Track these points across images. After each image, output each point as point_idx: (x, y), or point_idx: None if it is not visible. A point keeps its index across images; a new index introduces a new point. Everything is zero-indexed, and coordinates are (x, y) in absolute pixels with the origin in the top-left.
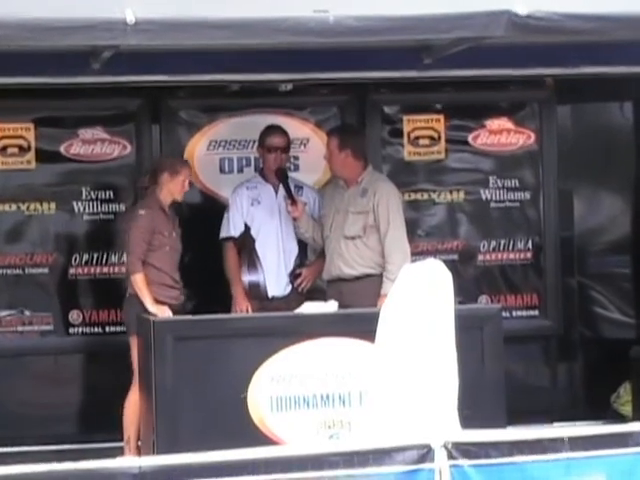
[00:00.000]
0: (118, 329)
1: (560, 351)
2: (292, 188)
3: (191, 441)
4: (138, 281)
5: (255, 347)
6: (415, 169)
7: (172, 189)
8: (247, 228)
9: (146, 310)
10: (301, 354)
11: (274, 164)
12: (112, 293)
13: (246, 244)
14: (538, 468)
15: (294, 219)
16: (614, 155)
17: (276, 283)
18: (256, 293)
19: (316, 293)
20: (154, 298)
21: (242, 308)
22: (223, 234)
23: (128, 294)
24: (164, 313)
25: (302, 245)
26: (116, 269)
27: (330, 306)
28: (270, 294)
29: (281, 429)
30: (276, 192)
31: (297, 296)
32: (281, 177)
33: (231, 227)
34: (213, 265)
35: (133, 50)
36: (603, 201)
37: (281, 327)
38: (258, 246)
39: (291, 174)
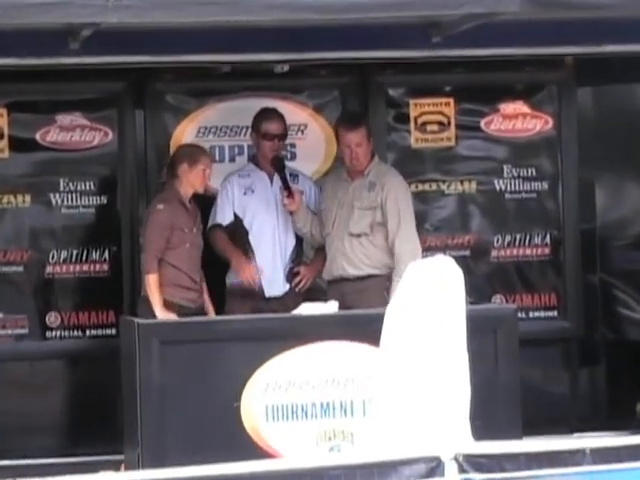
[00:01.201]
0: (100, 332)
1: (581, 355)
2: (288, 178)
3: (179, 454)
4: (151, 282)
5: (249, 351)
6: (423, 157)
7: (192, 180)
8: (239, 219)
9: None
10: (299, 359)
11: (270, 152)
12: (93, 293)
13: (238, 236)
14: None
15: (290, 212)
16: (639, 141)
17: (272, 279)
18: (250, 292)
19: (315, 293)
20: (169, 300)
21: (250, 273)
22: (210, 223)
23: (142, 295)
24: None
25: (299, 239)
26: (97, 267)
27: (330, 307)
28: (267, 293)
29: (277, 440)
30: (271, 181)
31: (295, 296)
32: (277, 167)
33: (218, 216)
34: (203, 262)
35: (115, 28)
36: (627, 191)
37: (277, 330)
38: (252, 238)
39: (286, 163)
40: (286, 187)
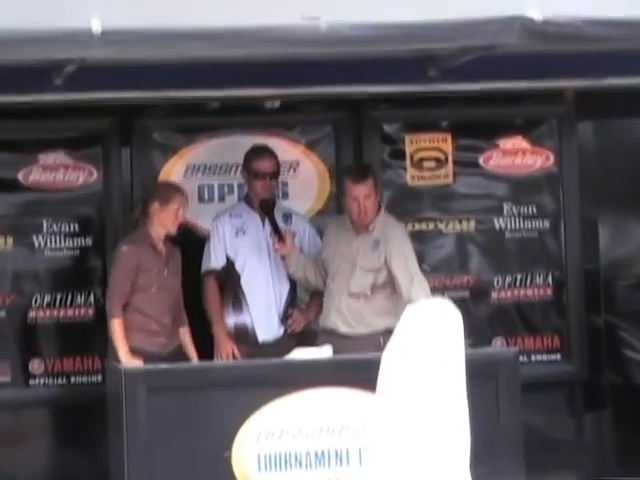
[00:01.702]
0: (85, 379)
1: (586, 400)
2: (279, 220)
3: None
4: (114, 327)
5: (240, 399)
6: (419, 195)
7: (164, 220)
8: (230, 262)
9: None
10: (293, 406)
11: (262, 191)
12: (78, 339)
13: (230, 280)
14: None
15: (282, 257)
16: None
17: (266, 325)
18: (243, 337)
19: (309, 338)
20: (135, 347)
21: (227, 351)
22: (204, 267)
23: (110, 341)
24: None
25: (293, 283)
26: (82, 312)
27: (324, 352)
28: (260, 338)
29: None
30: (263, 222)
31: (289, 340)
32: (266, 210)
33: (212, 259)
34: (192, 305)
35: (100, 64)
36: (632, 229)
37: (270, 376)
38: (244, 282)
39: (280, 202)
40: (276, 231)
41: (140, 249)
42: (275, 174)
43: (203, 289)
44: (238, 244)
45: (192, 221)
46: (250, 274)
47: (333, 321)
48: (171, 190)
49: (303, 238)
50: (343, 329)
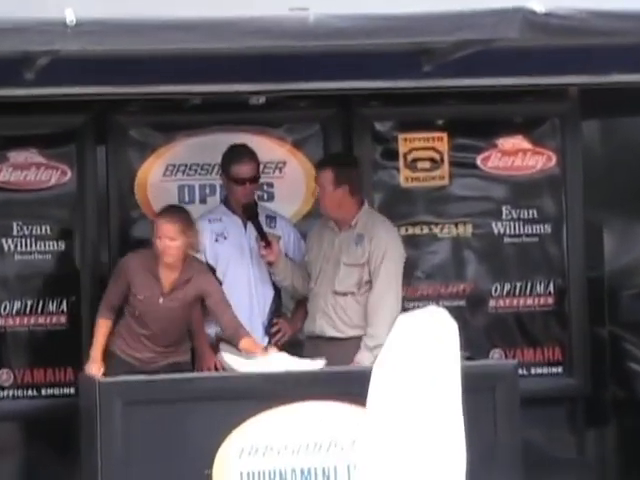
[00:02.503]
0: (57, 391)
1: (588, 415)
2: (264, 223)
3: None
4: (96, 326)
5: (222, 413)
6: (413, 198)
7: (156, 251)
8: (211, 269)
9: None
10: (277, 421)
11: (242, 197)
12: (50, 348)
13: None
14: None
15: (269, 264)
16: None
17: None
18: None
19: (295, 348)
20: (112, 350)
21: (209, 364)
22: None
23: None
24: (92, 371)
25: (278, 289)
26: (55, 319)
27: (316, 365)
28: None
29: None
30: (245, 226)
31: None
32: (249, 214)
33: None
34: None
35: (74, 56)
36: (639, 235)
37: (253, 388)
38: (226, 290)
39: (264, 204)
40: (262, 237)
41: (136, 268)
42: (255, 178)
43: None
44: (218, 250)
45: None
46: (232, 281)
47: (319, 325)
48: (158, 216)
49: (288, 242)
50: (330, 332)
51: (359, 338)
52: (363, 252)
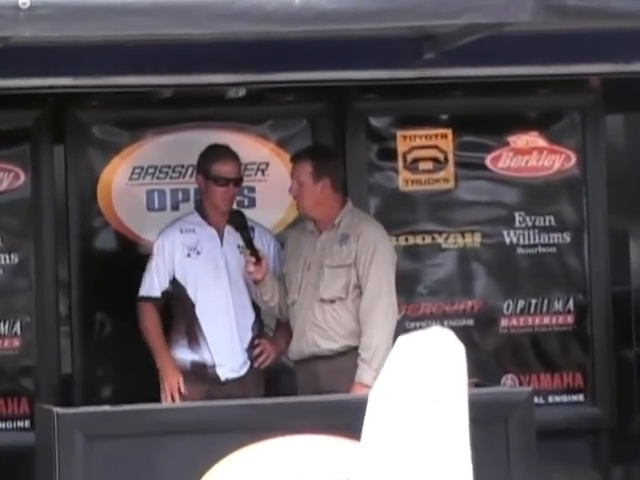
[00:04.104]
0: (9, 425)
1: (614, 450)
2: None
3: None
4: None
5: (199, 448)
6: (414, 203)
7: None
8: (181, 288)
9: None
10: (262, 457)
11: (222, 201)
12: (1, 375)
13: (181, 308)
14: None
15: (255, 282)
16: None
17: (229, 362)
18: (202, 376)
19: (280, 374)
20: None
21: (171, 384)
22: (141, 292)
23: None
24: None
25: (258, 310)
26: (7, 343)
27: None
28: (222, 376)
29: None
30: (221, 238)
31: (256, 376)
32: (237, 224)
33: (149, 284)
34: (134, 334)
35: (27, 44)
36: None
37: (234, 420)
38: (199, 312)
39: (242, 210)
40: (252, 251)
41: None
42: (238, 180)
43: (138, 314)
44: (190, 266)
45: (139, 233)
46: (206, 302)
47: (311, 338)
48: None
49: (268, 255)
50: (324, 344)
51: (357, 349)
52: (349, 252)
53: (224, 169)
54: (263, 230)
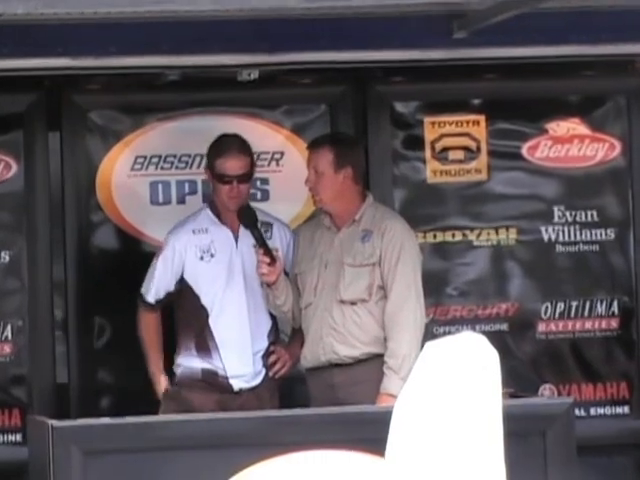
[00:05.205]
0: (0, 439)
1: None
2: (264, 235)
3: None
4: None
5: (207, 464)
6: (443, 196)
7: None
8: (191, 291)
9: None
10: (277, 474)
11: (228, 200)
12: None
13: (191, 312)
14: None
15: (268, 285)
16: None
17: (241, 371)
18: (213, 384)
19: (296, 383)
20: None
21: (159, 388)
22: (142, 290)
23: None
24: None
25: (274, 316)
26: None
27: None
28: (235, 386)
29: None
30: (236, 239)
31: (271, 386)
32: (246, 222)
33: (149, 290)
34: (136, 340)
35: (20, 22)
36: None
37: (248, 434)
38: (211, 318)
39: (256, 205)
40: (266, 251)
41: None
42: (246, 176)
43: (140, 322)
44: (202, 270)
45: (141, 229)
46: (219, 307)
47: (328, 344)
48: None
49: (287, 256)
50: (343, 351)
51: (380, 357)
52: (373, 250)
53: (227, 165)
54: (282, 226)
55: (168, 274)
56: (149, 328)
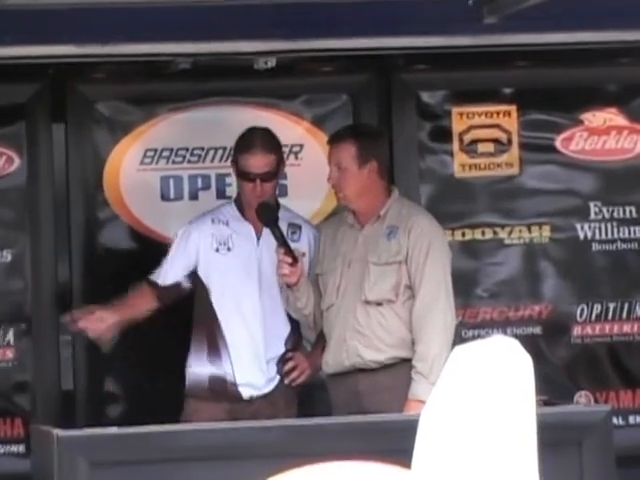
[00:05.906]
0: (2, 450)
1: None
2: (287, 235)
3: None
4: None
5: (220, 476)
6: (472, 191)
7: None
8: (203, 286)
9: None
10: None
11: (252, 198)
12: None
13: (201, 313)
14: None
15: (288, 286)
16: None
17: (251, 378)
18: (221, 391)
19: (315, 389)
20: None
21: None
22: (151, 275)
23: None
24: None
25: (294, 321)
26: None
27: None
28: (245, 394)
29: None
30: (258, 237)
31: (287, 391)
32: (266, 219)
33: (161, 270)
34: (146, 344)
35: (21, 9)
36: None
37: (262, 444)
38: (222, 318)
39: (285, 206)
40: (287, 250)
41: None
42: (270, 174)
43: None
44: (216, 263)
45: (151, 226)
46: (232, 308)
47: (352, 347)
48: None
49: (313, 259)
50: (368, 355)
51: (406, 362)
52: (399, 247)
53: (250, 162)
54: (310, 228)
55: (178, 259)
56: (136, 293)
